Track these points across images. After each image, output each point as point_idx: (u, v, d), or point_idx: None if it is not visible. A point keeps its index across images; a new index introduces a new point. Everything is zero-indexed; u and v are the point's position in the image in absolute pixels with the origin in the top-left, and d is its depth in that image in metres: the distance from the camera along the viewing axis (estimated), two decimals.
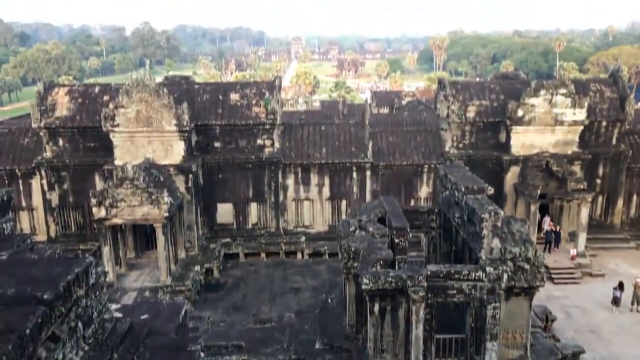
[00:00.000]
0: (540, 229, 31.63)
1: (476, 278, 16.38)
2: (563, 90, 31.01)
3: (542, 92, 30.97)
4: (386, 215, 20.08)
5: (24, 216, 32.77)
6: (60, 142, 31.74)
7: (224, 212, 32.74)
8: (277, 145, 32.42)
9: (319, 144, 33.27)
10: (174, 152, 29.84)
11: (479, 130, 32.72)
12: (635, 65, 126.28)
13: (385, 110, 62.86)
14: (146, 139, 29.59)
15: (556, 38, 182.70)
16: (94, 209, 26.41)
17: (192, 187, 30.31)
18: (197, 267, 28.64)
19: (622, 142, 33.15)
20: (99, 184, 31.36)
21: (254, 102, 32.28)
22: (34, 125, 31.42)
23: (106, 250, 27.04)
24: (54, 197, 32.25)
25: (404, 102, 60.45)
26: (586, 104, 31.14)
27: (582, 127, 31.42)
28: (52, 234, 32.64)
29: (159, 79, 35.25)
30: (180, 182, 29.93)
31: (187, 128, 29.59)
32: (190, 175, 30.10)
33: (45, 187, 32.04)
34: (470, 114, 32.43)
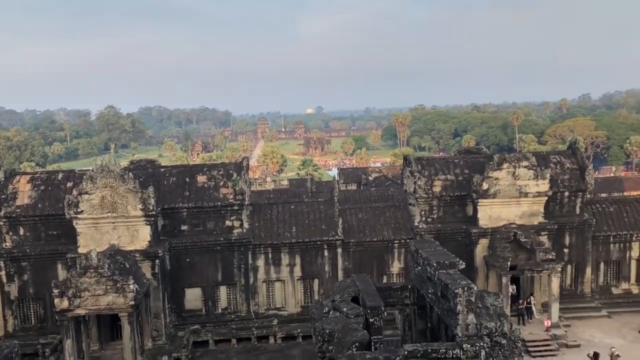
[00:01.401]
0: (514, 300, 31.67)
1: (454, 356, 16.14)
2: (525, 163, 32.11)
3: (505, 165, 31.99)
4: (359, 294, 19.86)
5: None
6: (21, 231, 30.96)
7: (193, 297, 31.93)
8: (246, 225, 32.27)
9: (289, 223, 33.25)
10: (140, 237, 29.37)
11: (446, 204, 33.30)
12: (590, 136, 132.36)
13: (353, 187, 63.64)
14: (111, 225, 29.13)
15: (513, 112, 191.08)
16: (56, 300, 25.44)
17: (159, 272, 29.63)
18: (165, 358, 27.46)
19: (585, 211, 34.13)
20: (62, 274, 30.40)
21: (221, 183, 32.37)
22: None
23: (68, 343, 25.82)
24: (13, 289, 31.03)
25: (371, 178, 61.44)
26: (548, 176, 32.22)
27: (546, 198, 32.32)
28: (10, 329, 31.11)
29: (124, 163, 35.24)
30: (146, 268, 29.25)
31: (154, 212, 29.31)
32: (157, 261, 29.49)
33: (4, 279, 30.87)
34: (437, 188, 33.11)
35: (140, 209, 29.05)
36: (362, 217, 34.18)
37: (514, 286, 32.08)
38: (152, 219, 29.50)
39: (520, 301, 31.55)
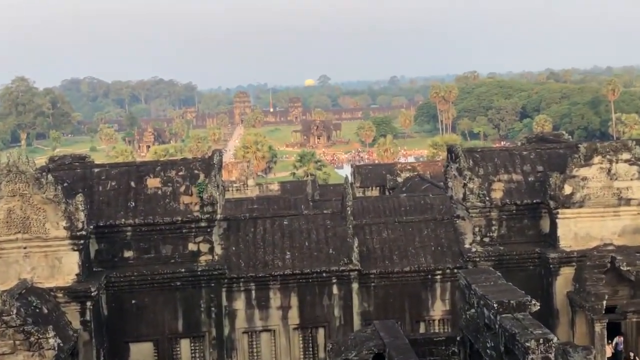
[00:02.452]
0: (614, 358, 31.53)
1: None
2: (626, 155, 31.99)
3: (597, 159, 31.85)
4: (385, 350, 19.86)
5: None
6: None
7: (141, 356, 31.89)
8: (218, 250, 32.22)
9: (281, 246, 33.19)
10: (64, 269, 29.37)
11: (510, 216, 33.16)
12: None
13: (374, 193, 63.56)
14: (21, 252, 29.17)
15: (608, 81, 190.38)
16: None
17: (92, 320, 29.65)
18: None
19: None
20: None
21: (182, 188, 32.34)
22: None
23: None
24: None
25: (400, 180, 61.34)
26: None
27: None
28: None
29: (40, 160, 35.30)
30: (73, 314, 29.27)
31: (84, 232, 29.33)
32: (89, 303, 29.50)
33: None
34: (497, 194, 32.98)
35: (64, 228, 29.05)
36: (387, 236, 34.06)
37: (621, 338, 31.95)
38: (82, 242, 29.51)
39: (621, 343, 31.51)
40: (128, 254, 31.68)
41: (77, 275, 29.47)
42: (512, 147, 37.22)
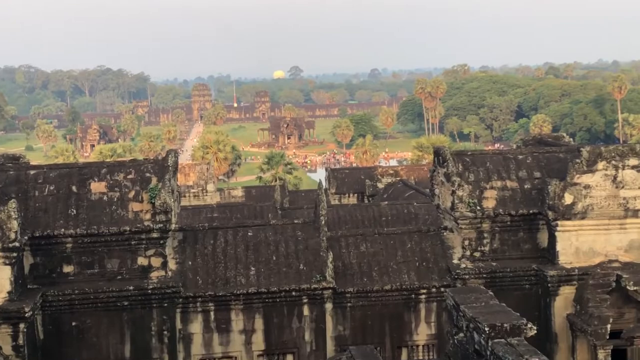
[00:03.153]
0: None
1: None
2: (634, 161, 32.26)
3: (601, 164, 32.10)
4: None
5: None
6: None
7: None
8: (172, 265, 32.08)
9: (244, 260, 33.10)
10: None
11: (504, 228, 33.31)
12: None
13: (351, 200, 63.70)
14: None
15: (614, 77, 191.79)
16: None
17: (26, 344, 29.32)
18: None
19: None
20: None
21: (131, 194, 32.15)
22: None
23: None
24: None
25: (380, 186, 61.59)
26: None
27: None
28: None
29: None
30: (4, 338, 28.94)
31: (17, 244, 29.03)
32: (22, 325, 29.18)
33: None
34: (489, 202, 33.13)
35: None
36: (366, 250, 34.09)
37: None
38: (15, 255, 29.22)
39: None
40: (68, 269, 31.41)
41: (8, 293, 29.12)
42: (506, 151, 37.38)
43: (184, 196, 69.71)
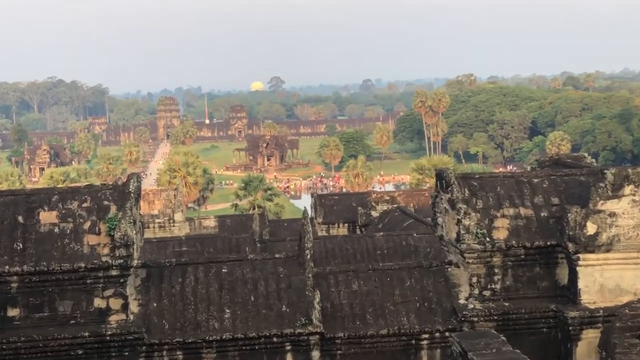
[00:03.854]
0: None
1: None
2: None
3: (629, 189, 32.03)
4: None
5: None
6: None
7: None
8: (134, 307, 31.73)
9: (218, 301, 32.81)
10: None
11: (518, 263, 33.13)
12: None
13: (341, 231, 63.50)
14: None
15: None
16: None
17: None
18: None
19: None
20: None
21: (86, 225, 31.87)
22: None
23: None
24: None
25: (375, 214, 61.46)
26: None
27: None
28: None
29: None
30: None
31: None
32: None
33: None
34: (501, 233, 32.93)
35: None
36: (358, 289, 33.85)
37: None
38: None
39: None
40: (13, 312, 31.03)
41: None
42: (519, 173, 37.21)
43: (148, 227, 69.47)
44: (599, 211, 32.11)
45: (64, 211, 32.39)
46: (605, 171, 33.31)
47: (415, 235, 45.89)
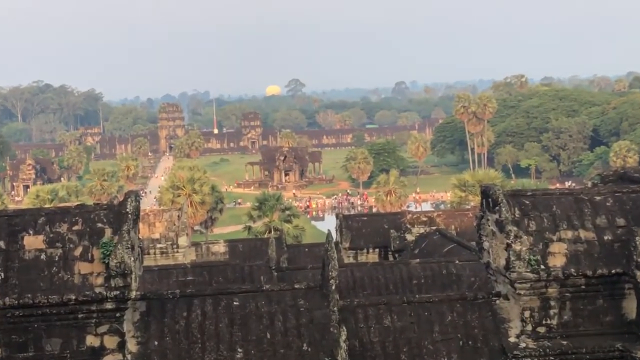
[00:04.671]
0: None
1: None
2: None
3: None
4: None
5: None
6: None
7: None
8: (132, 346, 31.86)
9: (229, 339, 32.92)
10: None
11: (577, 294, 33.06)
12: None
13: (371, 257, 63.45)
14: None
15: None
16: None
17: None
18: None
19: None
20: None
21: (77, 252, 32.05)
22: None
23: None
24: None
25: (410, 237, 61.45)
26: None
27: None
28: None
29: None
30: None
31: None
32: None
33: None
34: (557, 260, 32.91)
35: None
36: (391, 325, 33.88)
37: None
38: None
39: None
40: None
41: None
42: (578, 190, 37.14)
43: (149, 253, 69.74)
44: None
45: (51, 235, 32.56)
46: None
47: (457, 262, 45.89)
